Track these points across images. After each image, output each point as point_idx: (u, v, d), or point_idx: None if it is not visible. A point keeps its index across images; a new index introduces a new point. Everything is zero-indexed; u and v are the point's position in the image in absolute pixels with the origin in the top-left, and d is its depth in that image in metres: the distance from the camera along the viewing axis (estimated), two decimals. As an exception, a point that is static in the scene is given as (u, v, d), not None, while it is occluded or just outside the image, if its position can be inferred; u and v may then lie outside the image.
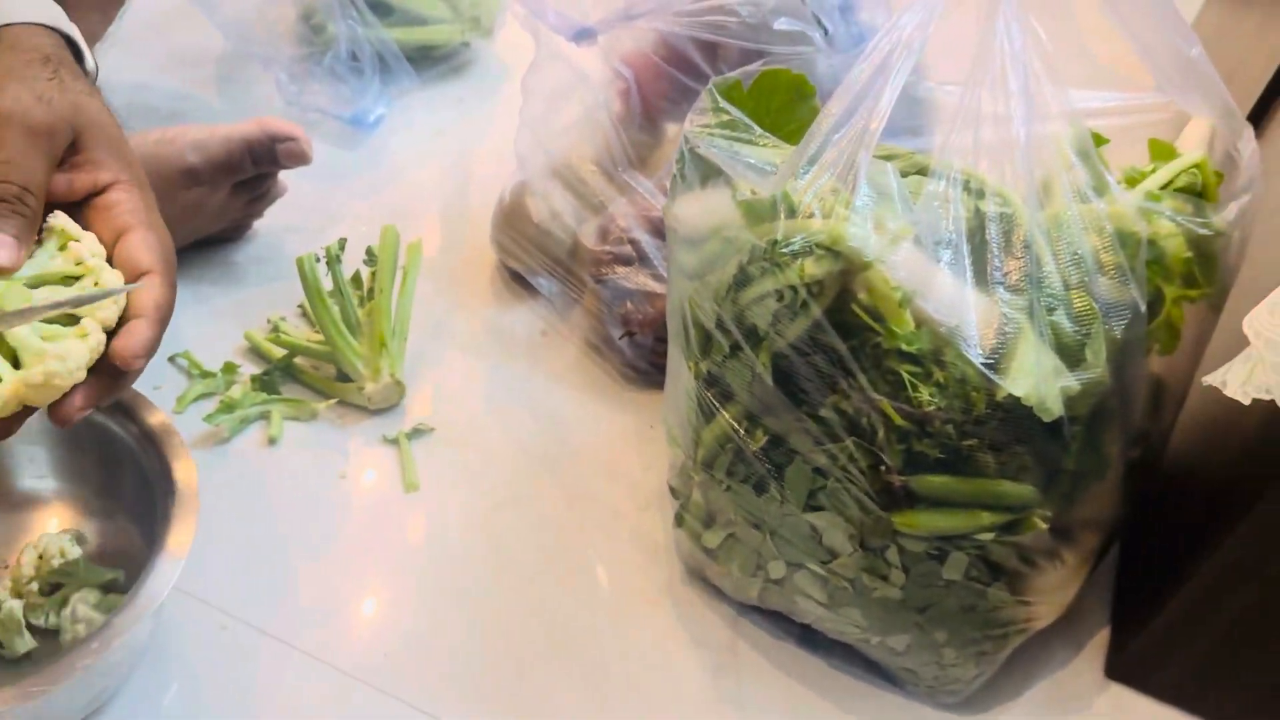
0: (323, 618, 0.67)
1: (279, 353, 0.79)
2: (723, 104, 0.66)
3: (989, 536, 0.58)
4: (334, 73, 1.01)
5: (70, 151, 0.55)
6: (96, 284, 0.52)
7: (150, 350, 0.52)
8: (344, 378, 0.79)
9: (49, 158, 0.53)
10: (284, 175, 0.89)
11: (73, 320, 0.51)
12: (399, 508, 0.74)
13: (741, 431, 0.61)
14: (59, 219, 0.54)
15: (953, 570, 0.59)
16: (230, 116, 1.05)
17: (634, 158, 0.83)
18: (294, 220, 0.93)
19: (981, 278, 0.57)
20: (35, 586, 0.61)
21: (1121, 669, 0.69)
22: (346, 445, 0.77)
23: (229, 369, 0.79)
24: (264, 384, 0.78)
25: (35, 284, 0.52)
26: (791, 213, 0.56)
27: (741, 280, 0.59)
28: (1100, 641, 0.71)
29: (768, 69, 0.67)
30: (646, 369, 0.84)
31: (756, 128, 0.65)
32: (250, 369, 0.80)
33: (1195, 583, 0.63)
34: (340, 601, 0.68)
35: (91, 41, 0.85)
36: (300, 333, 0.82)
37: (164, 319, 0.53)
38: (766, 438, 0.60)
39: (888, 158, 0.63)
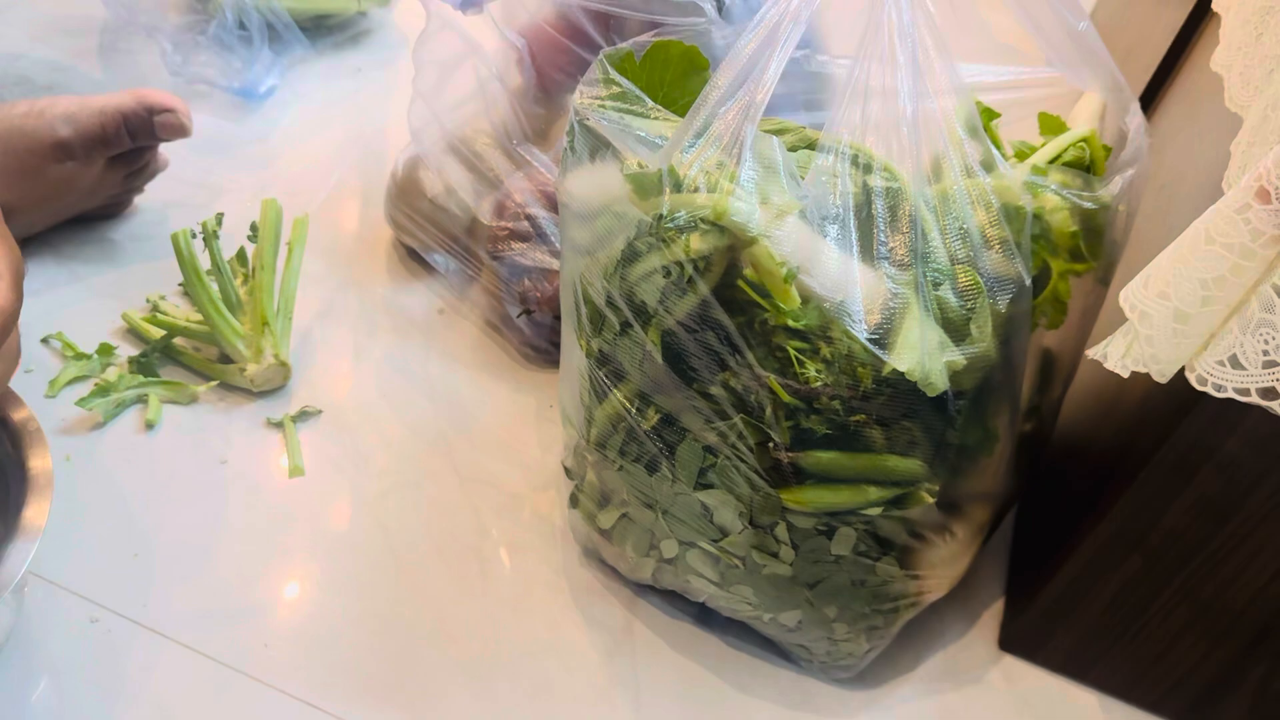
0: (201, 609, 0.65)
1: (158, 333, 0.76)
2: (614, 75, 0.64)
3: (876, 511, 0.58)
4: (221, 42, 0.98)
5: None
6: None
7: None
8: (226, 359, 0.76)
9: None
10: (167, 149, 0.85)
11: None
12: (283, 493, 0.71)
13: (634, 410, 0.60)
14: None
15: (841, 546, 0.59)
16: (113, 88, 1.00)
17: (530, 131, 0.81)
18: (178, 195, 0.89)
19: (868, 253, 0.57)
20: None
21: (1013, 640, 0.70)
22: (228, 429, 0.74)
23: (105, 350, 0.75)
24: (141, 366, 0.75)
25: None
26: (677, 187, 0.55)
27: (630, 256, 0.58)
28: (994, 613, 0.72)
29: (660, 40, 0.66)
30: (546, 348, 0.82)
31: (648, 100, 0.64)
32: (129, 350, 0.77)
33: (1081, 553, 0.64)
34: (220, 592, 0.66)
35: None
36: (181, 313, 0.79)
37: (4, 326, 0.51)
38: (658, 416, 0.59)
39: (778, 132, 0.62)
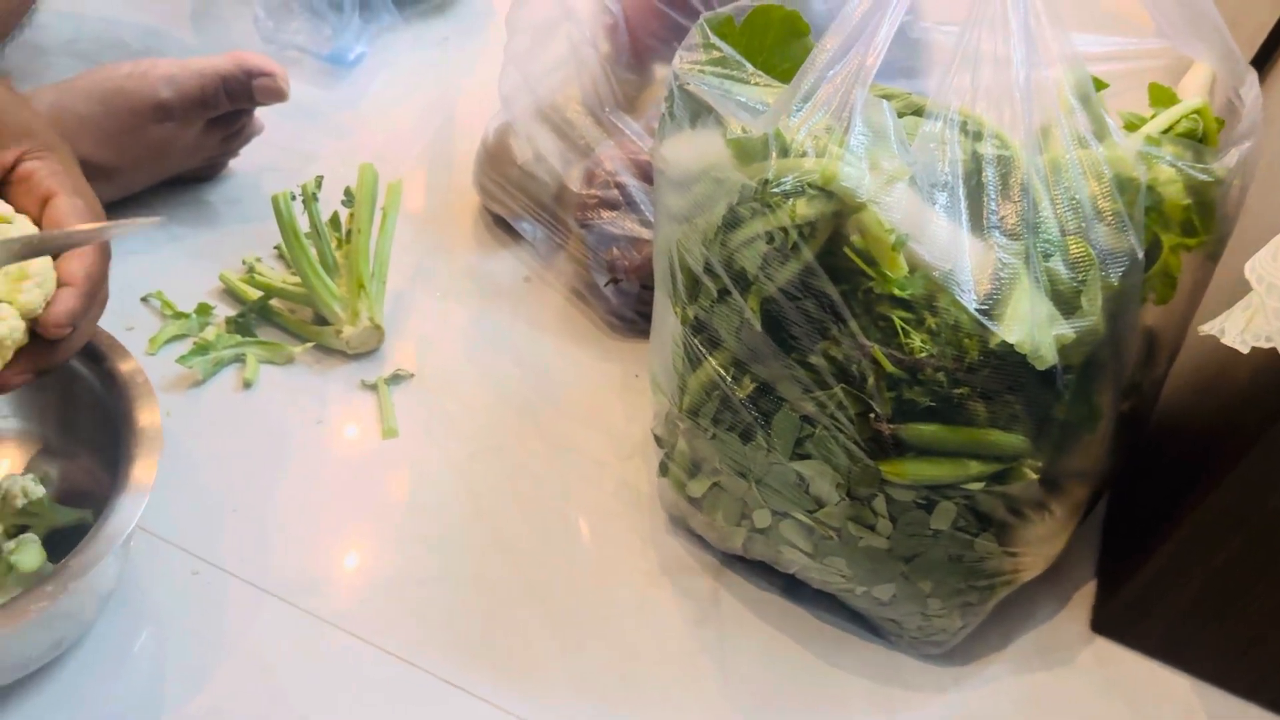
0: (298, 564, 0.66)
1: (254, 294, 0.77)
2: (714, 40, 0.64)
3: (978, 486, 0.57)
4: (312, 9, 0.98)
5: None
6: (26, 272, 0.51)
7: (75, 318, 0.51)
8: (321, 321, 0.77)
9: None
10: (260, 114, 0.86)
11: None
12: (377, 454, 0.72)
13: (728, 379, 0.60)
14: None
15: (940, 520, 0.58)
16: (204, 53, 1.01)
17: (621, 98, 0.81)
18: (270, 159, 0.90)
19: (977, 222, 0.55)
20: (0, 528, 0.59)
21: (1106, 622, 0.69)
22: (324, 390, 0.75)
23: (203, 310, 0.77)
24: (239, 326, 0.76)
25: None
26: (784, 152, 0.54)
27: (731, 222, 0.57)
28: (1085, 594, 0.71)
29: (761, 4, 0.65)
30: (632, 317, 0.82)
31: (748, 65, 0.63)
32: (225, 311, 0.78)
33: (1180, 534, 0.63)
34: (316, 547, 0.67)
35: None
36: (276, 274, 0.80)
37: (94, 286, 0.52)
38: (754, 385, 0.59)
39: (884, 98, 0.61)
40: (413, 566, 0.67)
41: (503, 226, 0.89)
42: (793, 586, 0.67)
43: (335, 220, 0.79)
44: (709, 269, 0.59)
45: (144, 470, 0.55)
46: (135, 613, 0.62)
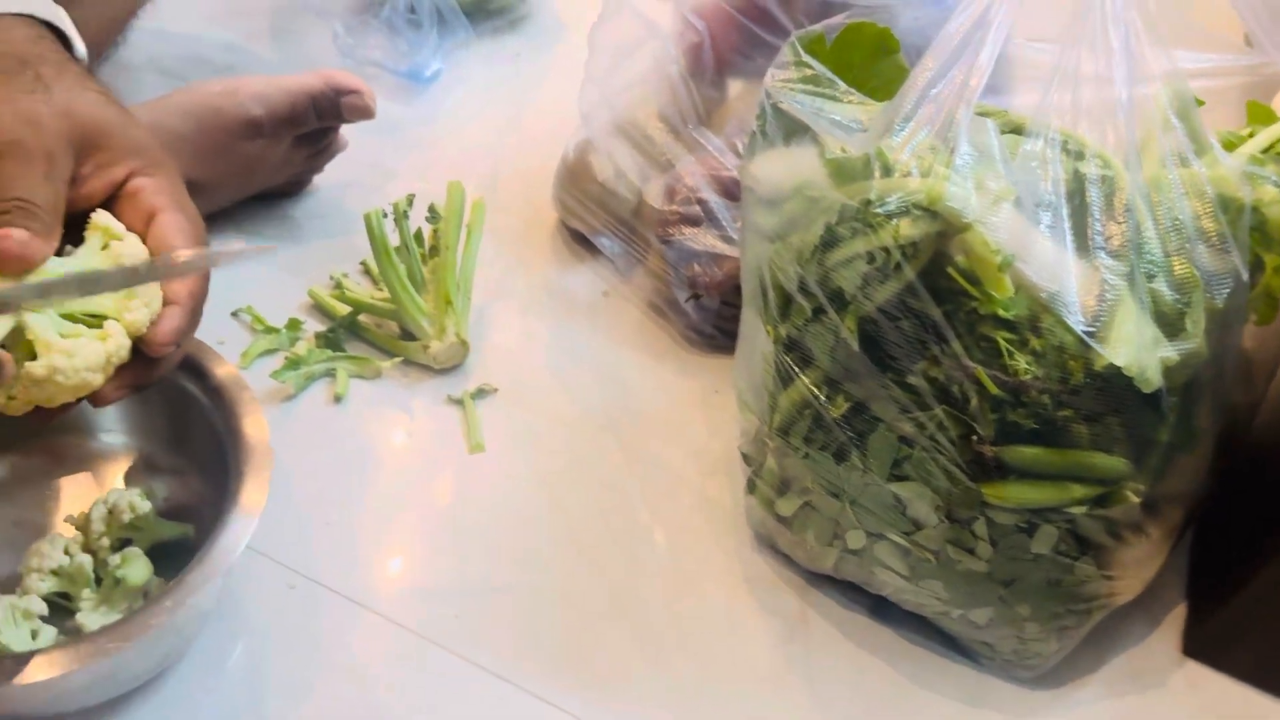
0: (391, 577, 0.67)
1: (343, 309, 0.78)
2: (805, 58, 0.64)
3: (1080, 510, 0.57)
4: (391, 26, 1.00)
5: (78, 162, 0.52)
6: (134, 291, 0.52)
7: (180, 336, 0.52)
8: (407, 336, 0.78)
9: (50, 179, 0.50)
10: (343, 129, 0.87)
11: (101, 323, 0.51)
12: (464, 469, 0.73)
13: (822, 397, 0.60)
14: (102, 216, 0.53)
15: (1041, 544, 0.57)
16: (284, 69, 1.03)
17: (704, 114, 0.81)
18: (351, 175, 0.92)
19: (1081, 242, 0.55)
20: (106, 542, 0.61)
21: (1198, 646, 0.68)
22: (411, 404, 0.76)
23: (293, 325, 0.78)
24: (328, 341, 0.77)
25: None
26: (886, 171, 0.54)
27: (829, 241, 0.57)
28: (1176, 617, 0.70)
29: (854, 22, 0.65)
30: (711, 332, 0.82)
31: (841, 83, 0.63)
32: (314, 325, 0.79)
33: (1277, 559, 0.62)
34: (410, 562, 0.68)
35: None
36: (363, 290, 0.81)
37: (198, 305, 0.53)
38: (848, 404, 0.59)
39: (981, 115, 0.61)
40: (503, 581, 0.67)
41: (580, 241, 0.90)
42: (880, 606, 0.67)
43: (419, 236, 0.80)
44: (803, 287, 0.59)
45: (255, 487, 0.56)
46: (231, 626, 0.63)
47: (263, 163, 0.82)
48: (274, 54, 1.06)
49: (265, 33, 1.08)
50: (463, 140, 0.99)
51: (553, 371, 0.80)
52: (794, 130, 0.62)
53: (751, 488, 0.68)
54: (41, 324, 0.50)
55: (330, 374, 0.76)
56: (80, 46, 0.59)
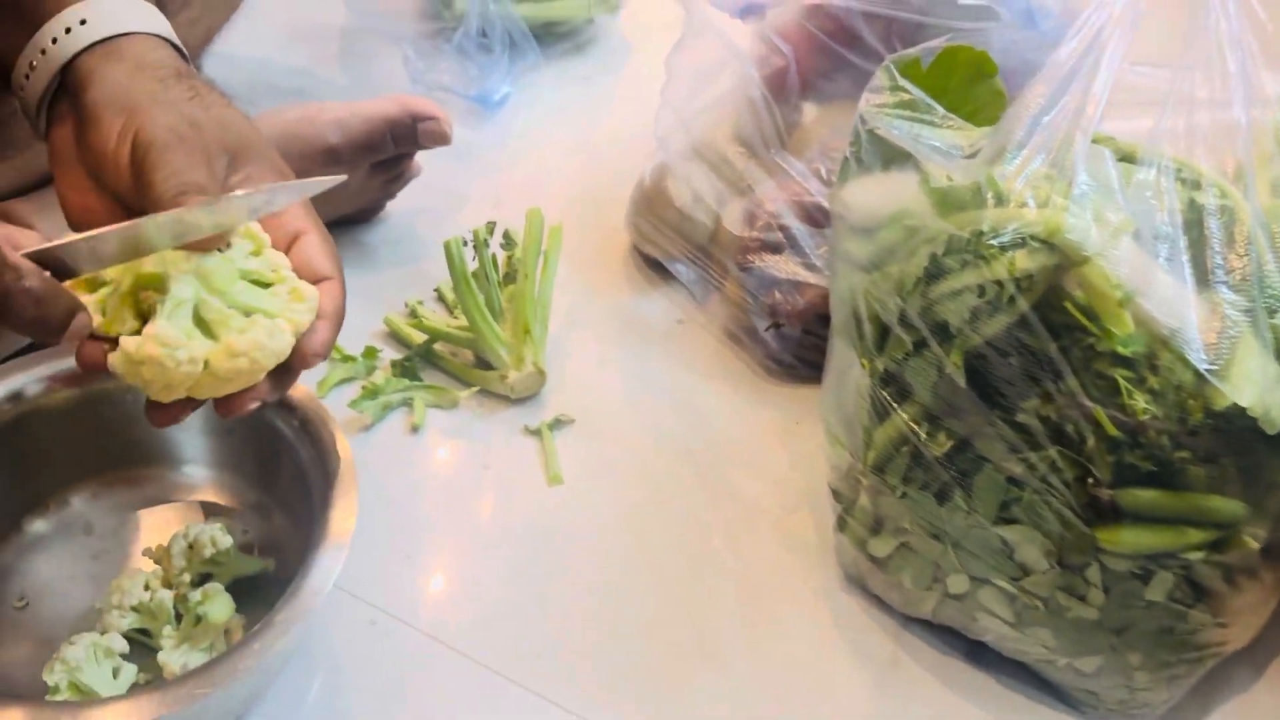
0: (473, 613, 0.65)
1: (419, 338, 0.77)
2: (901, 82, 0.62)
3: (1198, 555, 0.54)
4: (462, 50, 0.99)
5: (229, 170, 0.53)
6: (292, 293, 0.51)
7: (329, 351, 0.53)
8: (483, 364, 0.77)
9: (211, 177, 0.51)
10: (418, 156, 0.87)
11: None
12: (544, 501, 0.71)
13: (922, 434, 0.57)
14: (257, 225, 0.52)
15: (1156, 591, 0.55)
16: (353, 93, 1.03)
17: (786, 138, 0.79)
18: (423, 201, 0.91)
19: (1200, 276, 0.53)
20: (186, 577, 0.60)
21: (1311, 697, 0.65)
22: (489, 435, 0.75)
23: (370, 354, 0.77)
24: (405, 370, 0.76)
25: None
26: (999, 201, 0.52)
27: (934, 273, 0.55)
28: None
29: (951, 45, 0.63)
30: (791, 362, 0.80)
31: (939, 108, 0.61)
32: (389, 353, 0.78)
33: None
34: (490, 597, 0.66)
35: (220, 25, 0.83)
36: (438, 317, 0.80)
37: (341, 321, 0.53)
38: (951, 442, 0.57)
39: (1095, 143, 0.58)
40: (586, 618, 0.65)
41: (653, 267, 0.88)
42: (977, 650, 0.64)
43: (493, 262, 0.79)
44: (904, 320, 0.57)
45: (341, 524, 0.54)
46: (310, 662, 0.62)
47: (341, 190, 0.81)
48: (343, 78, 1.06)
49: (334, 57, 1.08)
50: (532, 164, 0.98)
51: (629, 401, 0.79)
52: (892, 156, 0.60)
53: (842, 525, 0.66)
54: (218, 307, 0.49)
55: (407, 403, 0.74)
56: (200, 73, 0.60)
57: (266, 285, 0.51)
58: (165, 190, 0.49)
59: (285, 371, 0.51)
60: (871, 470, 0.61)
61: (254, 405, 0.50)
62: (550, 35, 1.08)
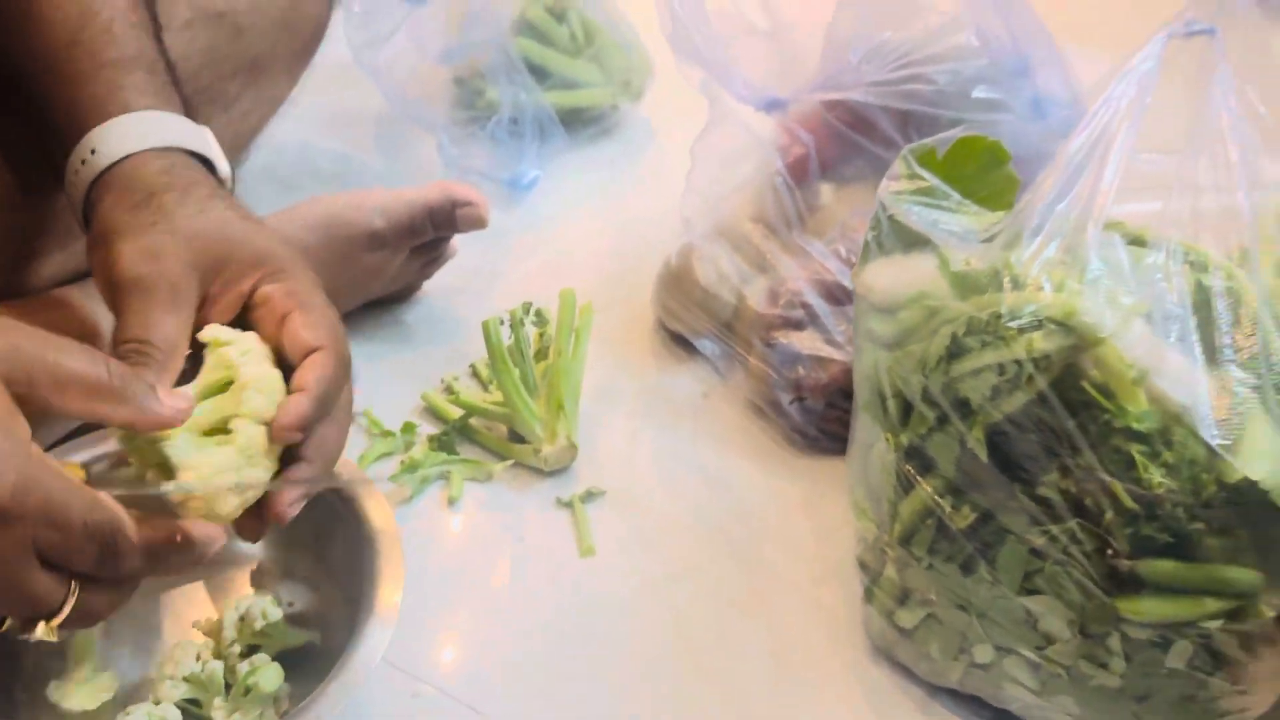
0: (516, 686, 0.67)
1: (455, 413, 0.80)
2: (918, 170, 0.65)
3: (1216, 624, 0.55)
4: (494, 136, 1.03)
5: (208, 281, 0.54)
6: (234, 381, 0.52)
7: (305, 422, 0.51)
8: (517, 438, 0.79)
9: (174, 310, 0.52)
10: (455, 238, 0.90)
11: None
12: (578, 574, 0.73)
13: (946, 507, 0.60)
14: (210, 331, 0.53)
15: (1176, 659, 0.56)
16: (390, 177, 1.07)
17: (807, 221, 0.83)
18: (457, 281, 0.94)
19: (1210, 355, 0.55)
20: (237, 649, 0.62)
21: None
22: (523, 508, 0.77)
23: (408, 429, 0.80)
24: (442, 444, 0.78)
25: (201, 398, 0.52)
26: (1016, 285, 0.55)
27: (955, 352, 0.57)
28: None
29: (966, 136, 0.66)
30: (815, 435, 0.83)
31: (955, 195, 0.64)
32: (427, 428, 0.81)
33: None
34: (533, 671, 0.68)
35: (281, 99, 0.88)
36: (474, 393, 0.83)
37: (326, 390, 0.52)
38: (975, 515, 0.59)
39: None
40: (625, 696, 0.67)
41: (679, 343, 0.91)
42: (1003, 718, 0.66)
43: (526, 340, 0.82)
44: (927, 396, 0.59)
45: (388, 597, 0.56)
46: (354, 732, 0.64)
47: (382, 272, 0.85)
48: (381, 163, 1.10)
49: (372, 143, 1.13)
50: (562, 244, 1.02)
51: (659, 474, 0.81)
52: (912, 240, 0.63)
53: (869, 596, 0.67)
54: (178, 446, 0.50)
55: (444, 476, 0.77)
56: (223, 166, 0.61)
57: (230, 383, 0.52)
58: (121, 351, 0.51)
59: (300, 466, 0.52)
60: (898, 542, 0.63)
61: (291, 508, 0.52)
62: (577, 121, 1.13)
